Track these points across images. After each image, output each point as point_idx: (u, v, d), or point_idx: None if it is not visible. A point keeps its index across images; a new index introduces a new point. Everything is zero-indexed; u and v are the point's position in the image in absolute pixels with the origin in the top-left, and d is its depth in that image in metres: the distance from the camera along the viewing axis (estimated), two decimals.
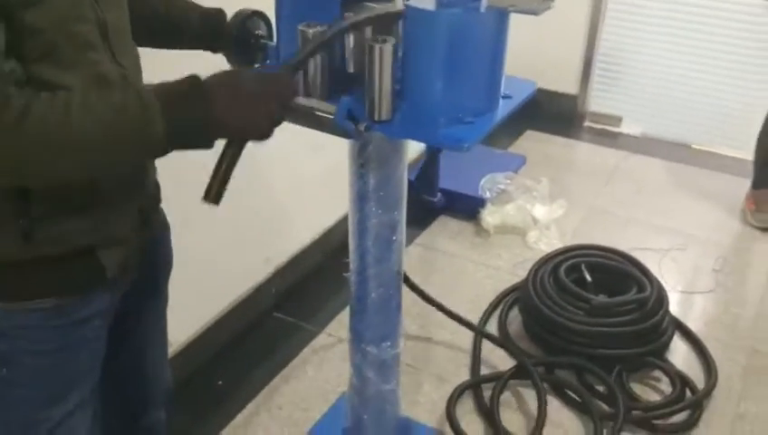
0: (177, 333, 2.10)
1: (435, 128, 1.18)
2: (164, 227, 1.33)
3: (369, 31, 1.24)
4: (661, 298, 2.23)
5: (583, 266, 2.33)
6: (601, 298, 2.19)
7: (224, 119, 0.96)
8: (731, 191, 3.18)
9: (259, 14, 1.44)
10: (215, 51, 1.40)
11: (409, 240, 2.70)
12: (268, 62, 1.44)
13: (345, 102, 1.12)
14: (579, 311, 2.17)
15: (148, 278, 1.28)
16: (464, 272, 2.68)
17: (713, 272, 2.69)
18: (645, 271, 2.31)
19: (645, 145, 3.65)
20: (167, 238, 1.35)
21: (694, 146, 3.64)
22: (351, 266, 1.50)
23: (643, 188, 3.26)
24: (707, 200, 3.14)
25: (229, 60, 1.43)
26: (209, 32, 1.36)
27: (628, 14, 3.63)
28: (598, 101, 3.86)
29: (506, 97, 1.28)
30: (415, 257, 2.71)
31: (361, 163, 1.34)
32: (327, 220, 2.64)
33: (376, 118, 1.17)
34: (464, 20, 1.15)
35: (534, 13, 1.12)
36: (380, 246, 1.44)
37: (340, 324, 2.35)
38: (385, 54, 1.13)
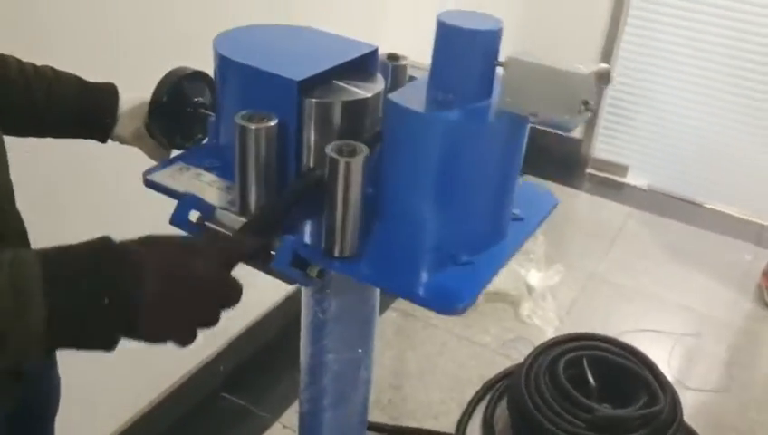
0: (109, 419, 1.76)
1: (417, 273, 0.85)
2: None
3: (334, 117, 0.90)
4: (675, 410, 1.90)
5: (585, 362, 2.00)
6: (606, 408, 1.87)
7: (147, 317, 0.65)
8: (746, 262, 2.87)
9: (201, 75, 1.11)
10: (101, 139, 1.08)
11: (384, 305, 2.37)
12: (206, 140, 1.10)
13: (288, 244, 0.78)
14: (579, 422, 1.84)
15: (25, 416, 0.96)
16: (445, 348, 2.34)
17: (727, 365, 2.37)
18: (656, 373, 1.99)
19: (652, 200, 3.34)
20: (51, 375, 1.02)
21: (705, 205, 3.32)
22: (301, 408, 1.16)
23: (649, 254, 2.94)
24: (720, 271, 2.83)
25: (153, 135, 1.09)
26: (86, 117, 1.06)
27: (642, 55, 3.31)
28: (603, 148, 3.55)
29: (517, 219, 0.95)
30: (389, 326, 2.36)
31: (318, 287, 1.00)
32: (282, 289, 2.29)
33: (336, 253, 0.83)
34: (465, 129, 0.82)
35: (566, 128, 0.79)
36: (340, 386, 1.11)
37: (296, 415, 2.00)
38: (353, 172, 0.79)
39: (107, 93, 1.06)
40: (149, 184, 0.98)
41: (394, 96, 0.84)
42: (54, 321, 0.60)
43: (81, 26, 1.40)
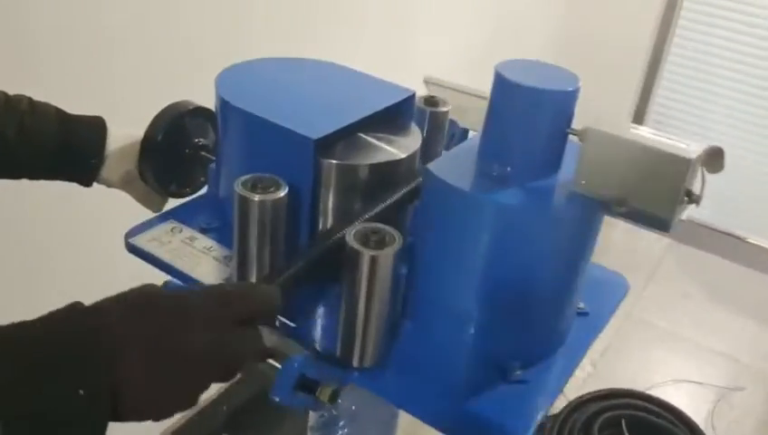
0: None
1: (455, 394, 0.66)
2: None
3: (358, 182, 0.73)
4: None
5: (624, 424, 1.81)
6: None
7: (132, 402, 0.51)
8: None
9: (204, 112, 0.93)
10: (86, 182, 0.91)
11: None
12: (206, 189, 0.93)
13: (292, 369, 0.60)
14: None
15: None
16: None
17: None
18: None
19: (692, 233, 3.12)
20: None
21: (750, 240, 3.11)
22: None
23: (690, 293, 2.73)
24: (766, 316, 2.62)
25: (146, 180, 0.92)
26: (67, 156, 0.88)
27: (686, 77, 3.10)
28: None
29: (581, 313, 0.76)
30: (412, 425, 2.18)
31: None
32: None
33: (354, 363, 0.66)
34: (526, 216, 0.64)
35: (662, 225, 0.61)
36: None
37: None
38: (380, 267, 0.62)
39: (93, 128, 0.89)
40: (132, 249, 0.81)
41: (436, 167, 0.66)
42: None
43: (69, 44, 1.23)
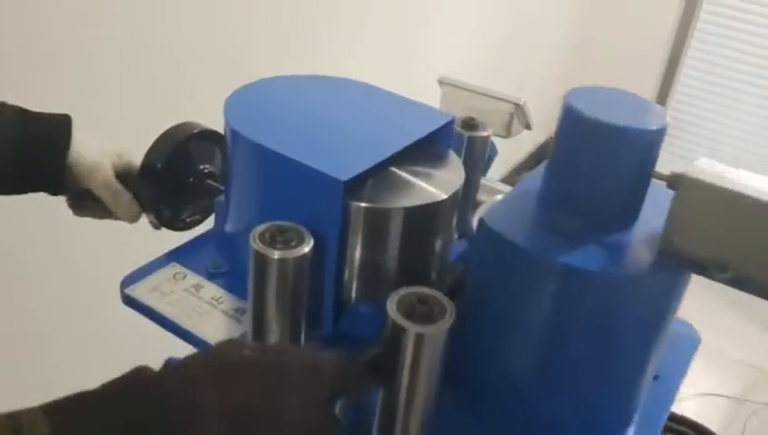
0: None
1: None
2: None
3: (393, 228, 0.62)
4: None
5: None
6: None
7: None
8: None
9: (211, 135, 0.82)
10: (54, 187, 0.79)
11: None
12: (212, 222, 0.82)
13: None
14: None
15: None
16: None
17: None
18: None
19: None
20: None
21: None
22: None
23: (717, 304, 2.62)
24: None
25: (144, 209, 0.81)
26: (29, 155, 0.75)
27: (704, 82, 2.98)
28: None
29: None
30: None
31: None
32: None
33: None
34: (603, 281, 0.53)
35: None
36: None
37: None
38: (429, 347, 0.51)
39: (57, 125, 0.76)
40: (129, 302, 0.70)
41: (492, 218, 0.55)
42: None
43: (47, 53, 1.12)
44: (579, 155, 0.54)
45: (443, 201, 0.63)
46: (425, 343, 0.50)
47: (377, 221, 0.62)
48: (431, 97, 1.01)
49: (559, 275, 0.53)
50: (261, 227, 0.58)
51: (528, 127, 2.14)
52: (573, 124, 0.53)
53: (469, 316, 0.57)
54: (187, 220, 0.84)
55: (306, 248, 0.57)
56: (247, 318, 0.64)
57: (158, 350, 0.72)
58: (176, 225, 0.83)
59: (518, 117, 2.14)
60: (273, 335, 0.60)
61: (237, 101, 0.69)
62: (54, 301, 1.24)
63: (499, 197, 0.79)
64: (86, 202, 0.81)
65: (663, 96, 3.01)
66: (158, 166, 0.78)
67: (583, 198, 0.55)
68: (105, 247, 1.06)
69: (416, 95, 0.75)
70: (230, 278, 0.73)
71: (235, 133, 0.65)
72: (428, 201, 0.62)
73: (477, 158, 0.78)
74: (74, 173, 0.76)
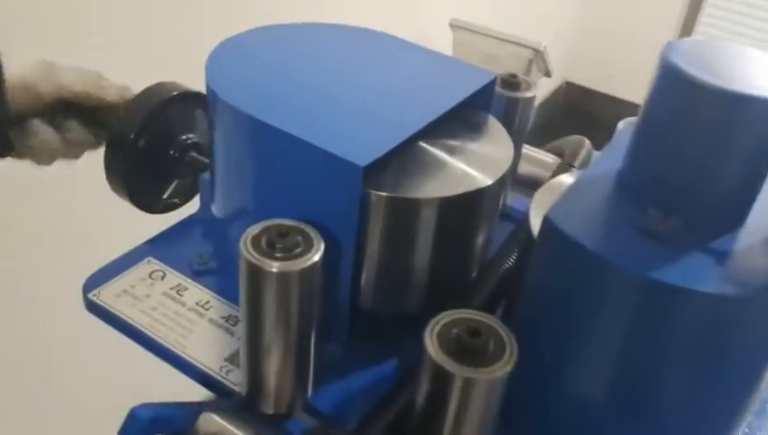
0: None
1: None
2: None
3: (423, 223, 0.49)
4: None
5: None
6: None
7: None
8: None
9: (195, 98, 0.68)
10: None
11: None
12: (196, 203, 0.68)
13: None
14: None
15: None
16: None
17: None
18: None
19: None
20: None
21: None
22: None
23: None
24: None
25: (116, 191, 0.67)
26: None
27: (728, 15, 2.81)
28: None
29: None
30: None
31: None
32: None
33: None
34: (716, 303, 0.40)
35: None
36: None
37: None
38: (479, 395, 0.38)
39: None
40: (93, 308, 0.57)
41: (559, 215, 0.41)
42: None
43: None
44: (684, 132, 0.40)
45: (488, 187, 0.49)
46: (477, 392, 0.37)
47: (404, 215, 0.48)
48: (441, 44, 0.86)
49: (653, 294, 0.39)
50: (255, 229, 0.44)
51: (548, 74, 1.98)
52: (679, 91, 0.39)
53: (527, 336, 0.44)
54: (168, 202, 0.70)
55: (315, 257, 0.43)
56: (241, 330, 0.51)
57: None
58: (154, 207, 0.69)
59: (537, 63, 1.96)
60: (273, 359, 0.47)
61: (222, 59, 0.54)
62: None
63: (547, 174, 0.66)
64: None
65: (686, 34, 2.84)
66: (131, 137, 0.64)
67: (685, 189, 0.41)
68: (62, 238, 0.90)
69: (424, 41, 0.61)
70: (220, 276, 0.59)
71: (218, 100, 0.50)
72: (470, 189, 0.48)
73: (520, 124, 0.64)
74: None
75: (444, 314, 0.40)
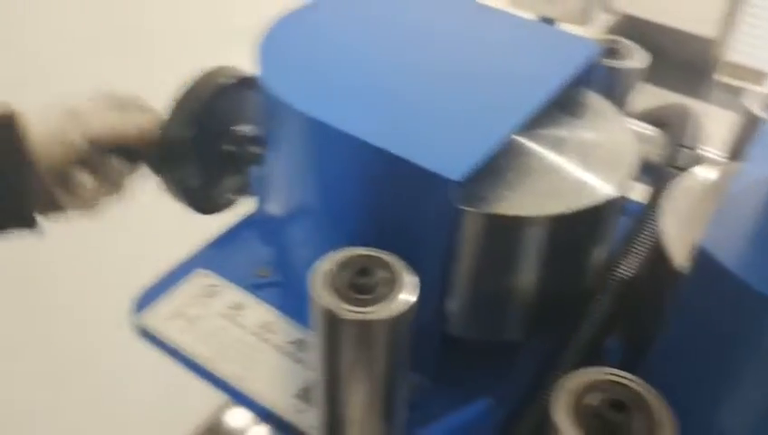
0: None
1: None
2: None
3: (530, 245, 0.40)
4: None
5: None
6: None
7: None
8: None
9: (247, 84, 0.59)
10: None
11: None
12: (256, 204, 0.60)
13: None
14: None
15: None
16: None
17: None
18: None
19: None
20: None
21: None
22: None
23: None
24: None
25: (171, 193, 0.59)
26: None
27: None
28: (740, 48, 2.86)
29: None
30: None
31: None
32: None
33: None
34: None
35: None
36: None
37: None
38: None
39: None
40: (144, 334, 0.50)
41: (717, 245, 0.32)
42: None
43: None
44: None
45: (612, 199, 0.40)
46: None
47: (507, 235, 0.40)
48: None
49: None
50: (327, 263, 0.36)
51: (608, 9, 1.82)
52: None
53: (669, 375, 0.36)
54: (222, 199, 0.63)
55: (408, 299, 0.35)
56: (317, 374, 0.44)
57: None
58: (208, 206, 0.62)
59: None
60: (356, 409, 0.40)
61: (278, 42, 0.45)
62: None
63: (655, 151, 0.56)
64: None
65: None
66: (185, 134, 0.56)
67: None
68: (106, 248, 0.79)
69: None
70: (283, 290, 0.52)
71: (277, 101, 0.42)
72: (590, 203, 0.39)
73: (621, 97, 0.54)
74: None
75: (571, 376, 0.32)
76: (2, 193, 0.50)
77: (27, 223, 0.51)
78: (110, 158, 0.55)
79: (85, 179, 0.54)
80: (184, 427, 1.46)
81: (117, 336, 1.06)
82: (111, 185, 0.56)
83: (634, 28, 2.73)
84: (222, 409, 1.55)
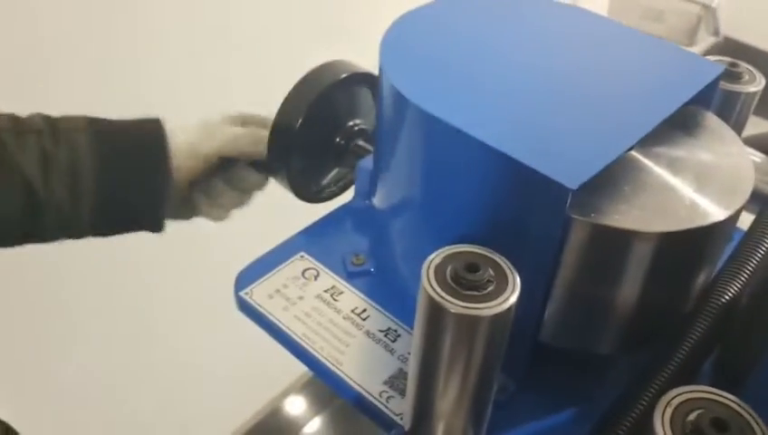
0: None
1: None
2: None
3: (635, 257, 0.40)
4: None
5: None
6: None
7: None
8: None
9: (365, 80, 0.61)
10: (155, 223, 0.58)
11: None
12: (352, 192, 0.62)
13: None
14: None
15: None
16: None
17: None
18: None
19: None
20: None
21: None
22: None
23: None
24: None
25: (281, 183, 0.62)
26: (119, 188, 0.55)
27: None
28: None
29: None
30: None
31: None
32: None
33: None
34: None
35: None
36: None
37: None
38: None
39: (149, 137, 0.55)
40: (245, 308, 0.52)
41: None
42: None
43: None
44: None
45: (723, 222, 0.40)
46: None
47: (614, 246, 0.40)
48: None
49: None
50: (439, 255, 0.37)
51: (716, 34, 1.78)
52: None
53: None
54: (328, 190, 0.65)
55: (511, 298, 0.36)
56: (412, 363, 0.45)
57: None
58: (316, 196, 0.64)
59: (706, 22, 1.76)
60: (447, 402, 0.41)
61: (401, 40, 0.47)
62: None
63: (764, 179, 0.55)
64: None
65: None
66: (297, 126, 0.58)
67: None
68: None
69: None
70: (377, 280, 0.53)
71: (402, 99, 0.43)
72: (701, 223, 0.39)
73: (736, 124, 0.53)
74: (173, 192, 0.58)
75: (679, 389, 0.32)
76: (143, 199, 0.55)
77: (157, 227, 0.57)
78: (242, 169, 0.61)
79: (221, 189, 0.60)
80: (242, 416, 1.50)
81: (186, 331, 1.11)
82: (242, 194, 0.62)
83: (730, 52, 2.63)
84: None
